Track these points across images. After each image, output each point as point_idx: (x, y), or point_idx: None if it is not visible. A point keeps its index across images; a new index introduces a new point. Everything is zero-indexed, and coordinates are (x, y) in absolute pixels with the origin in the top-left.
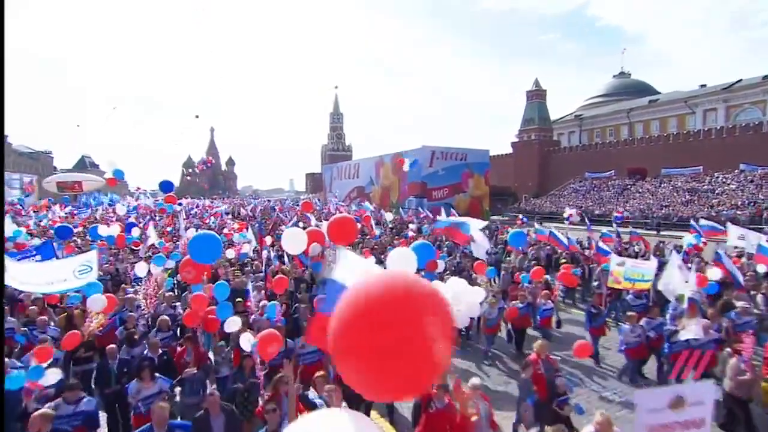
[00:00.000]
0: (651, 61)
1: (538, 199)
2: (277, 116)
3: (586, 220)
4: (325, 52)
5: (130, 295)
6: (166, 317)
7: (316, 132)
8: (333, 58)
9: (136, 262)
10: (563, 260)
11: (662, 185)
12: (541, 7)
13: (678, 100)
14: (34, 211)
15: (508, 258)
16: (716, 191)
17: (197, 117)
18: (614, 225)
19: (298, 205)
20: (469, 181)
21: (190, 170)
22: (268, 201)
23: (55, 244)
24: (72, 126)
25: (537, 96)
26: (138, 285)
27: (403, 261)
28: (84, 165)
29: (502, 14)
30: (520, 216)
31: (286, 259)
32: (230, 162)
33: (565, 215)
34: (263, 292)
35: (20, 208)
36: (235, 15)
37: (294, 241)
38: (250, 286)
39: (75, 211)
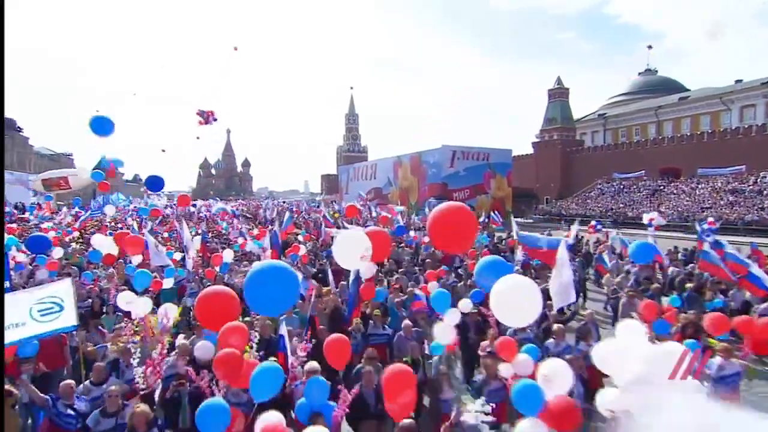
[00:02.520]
0: (673, 58)
1: (563, 201)
2: (292, 118)
3: (697, 227)
4: (339, 53)
5: (126, 344)
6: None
7: (331, 134)
8: (347, 59)
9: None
10: (688, 284)
11: (700, 186)
12: (556, 6)
13: (712, 97)
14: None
15: (587, 274)
16: (764, 192)
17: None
18: (704, 237)
19: (317, 205)
20: (491, 182)
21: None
22: (284, 203)
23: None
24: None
25: (559, 95)
26: (124, 323)
27: (521, 298)
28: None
29: (515, 13)
30: (593, 222)
31: (331, 278)
32: (246, 163)
33: (646, 219)
34: (296, 340)
35: (15, 211)
36: (248, 16)
37: (353, 247)
38: (284, 329)
39: (81, 213)
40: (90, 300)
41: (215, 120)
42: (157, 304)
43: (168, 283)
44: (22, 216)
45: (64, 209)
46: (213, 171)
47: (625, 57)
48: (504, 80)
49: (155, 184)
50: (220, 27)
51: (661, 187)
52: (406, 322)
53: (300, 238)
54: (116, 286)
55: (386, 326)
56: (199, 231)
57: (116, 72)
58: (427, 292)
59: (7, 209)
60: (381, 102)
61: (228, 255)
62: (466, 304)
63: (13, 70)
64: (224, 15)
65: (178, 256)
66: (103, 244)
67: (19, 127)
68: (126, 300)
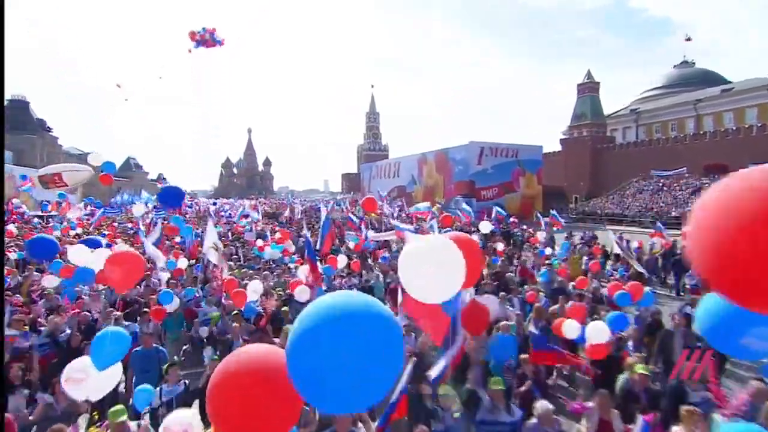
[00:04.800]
0: (707, 51)
1: (597, 200)
2: (312, 118)
3: None
4: (360, 52)
5: None
6: None
7: (350, 133)
8: (368, 58)
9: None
10: None
11: None
12: (578, 2)
13: (759, 88)
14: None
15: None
16: None
17: None
18: None
19: (343, 204)
20: (520, 180)
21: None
22: (305, 201)
23: None
24: (113, 126)
25: (589, 89)
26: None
27: None
28: (129, 167)
29: (538, 11)
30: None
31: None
32: (267, 162)
33: None
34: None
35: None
36: (269, 15)
37: (438, 264)
38: None
39: (96, 212)
40: (68, 332)
41: (220, 42)
42: (159, 341)
43: (174, 306)
44: (40, 215)
45: (81, 207)
46: (235, 170)
47: (654, 51)
48: (526, 78)
49: (173, 198)
50: (237, 28)
51: (706, 185)
52: (544, 405)
53: (351, 245)
54: (103, 309)
55: (512, 407)
56: (221, 228)
57: (130, 72)
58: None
59: (8, 206)
60: (399, 101)
61: (254, 288)
62: (599, 331)
63: (44, 71)
64: (242, 15)
65: (183, 263)
66: (85, 258)
67: (48, 127)
68: (74, 376)
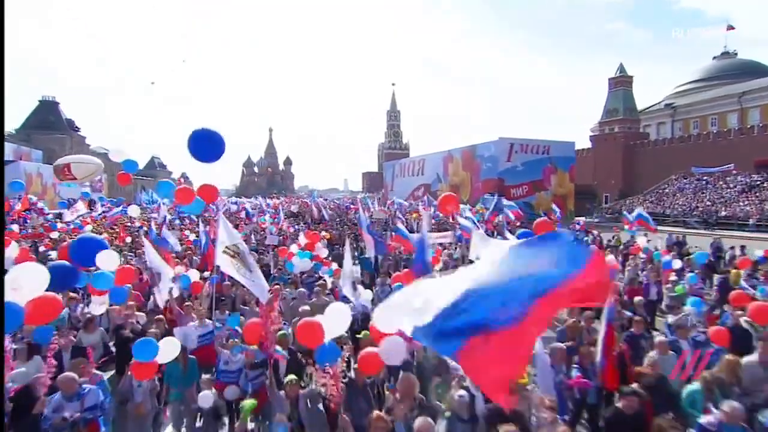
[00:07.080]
0: (747, 45)
1: (633, 198)
2: (332, 116)
3: None
4: (380, 52)
5: None
6: None
7: (370, 133)
8: (389, 58)
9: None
10: None
11: None
12: None
13: None
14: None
15: None
16: None
17: None
18: None
19: (373, 204)
20: (551, 178)
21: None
22: (325, 200)
23: None
24: (134, 126)
25: (622, 83)
26: None
27: None
28: (153, 166)
29: (562, 5)
30: None
31: None
32: (288, 161)
33: None
34: None
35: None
36: (289, 14)
37: None
38: None
39: (112, 210)
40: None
41: None
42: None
43: (173, 347)
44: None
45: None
46: (256, 169)
47: (687, 44)
48: (550, 74)
49: (206, 146)
50: (258, 28)
51: (758, 182)
52: None
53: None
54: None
55: None
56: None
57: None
58: None
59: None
60: (419, 99)
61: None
62: None
63: (72, 73)
64: (262, 16)
65: (194, 275)
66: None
67: (77, 127)
68: None
